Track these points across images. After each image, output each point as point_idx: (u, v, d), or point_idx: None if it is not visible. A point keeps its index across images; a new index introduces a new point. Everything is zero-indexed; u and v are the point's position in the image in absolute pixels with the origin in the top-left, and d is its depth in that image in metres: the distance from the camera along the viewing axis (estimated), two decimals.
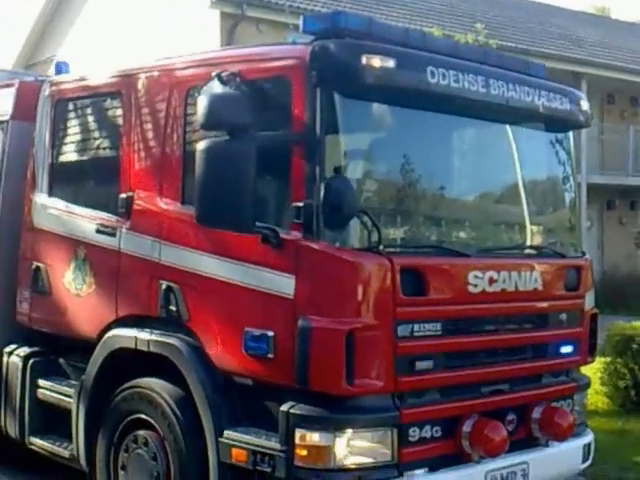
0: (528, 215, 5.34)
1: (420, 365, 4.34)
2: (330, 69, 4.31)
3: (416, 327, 4.33)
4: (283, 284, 4.26)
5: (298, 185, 4.28)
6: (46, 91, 6.04)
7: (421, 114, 4.71)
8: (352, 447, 4.13)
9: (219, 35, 15.10)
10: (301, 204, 4.22)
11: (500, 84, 4.89)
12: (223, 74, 4.46)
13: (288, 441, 4.16)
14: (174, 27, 15.79)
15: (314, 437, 4.11)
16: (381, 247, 4.27)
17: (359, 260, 4.24)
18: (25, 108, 6.17)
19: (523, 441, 4.85)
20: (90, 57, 17.73)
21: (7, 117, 6.30)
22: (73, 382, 5.57)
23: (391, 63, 4.35)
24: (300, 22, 4.65)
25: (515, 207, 5.37)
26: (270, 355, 4.30)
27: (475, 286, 4.59)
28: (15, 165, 6.17)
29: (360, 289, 4.20)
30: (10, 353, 5.98)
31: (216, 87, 4.41)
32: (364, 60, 4.28)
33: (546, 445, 4.97)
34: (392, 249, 4.40)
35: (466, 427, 4.47)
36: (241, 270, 4.45)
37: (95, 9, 18.55)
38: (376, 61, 4.31)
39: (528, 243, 5.35)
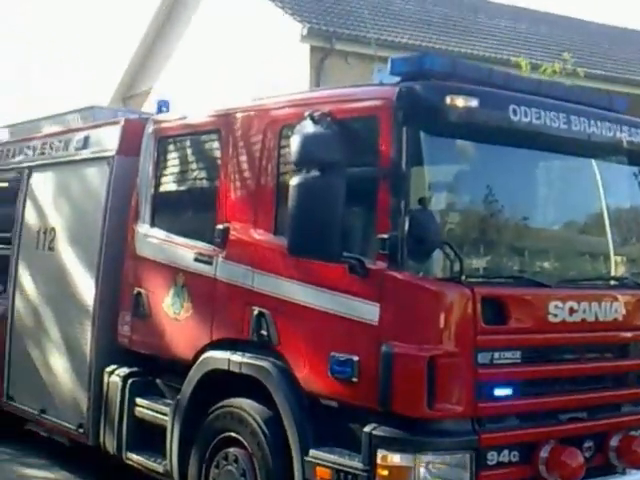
0: (609, 246, 5.44)
1: (499, 392, 4.51)
2: (416, 109, 4.57)
3: (496, 355, 4.50)
4: (368, 311, 4.50)
5: (384, 217, 4.52)
6: (150, 128, 6.45)
7: (503, 149, 4.93)
8: (432, 469, 4.31)
9: (308, 68, 15.55)
10: (386, 236, 4.46)
11: (581, 120, 5.05)
12: (315, 114, 4.73)
13: (370, 461, 4.37)
14: (265, 61, 16.35)
15: (395, 458, 4.31)
16: (463, 277, 4.47)
17: (442, 290, 4.45)
18: (129, 144, 6.58)
19: (600, 468, 4.93)
20: (184, 89, 18.48)
21: (113, 152, 6.73)
22: (168, 401, 5.89)
23: (474, 102, 4.59)
24: (388, 64, 4.91)
25: (595, 238, 5.49)
26: (354, 379, 4.52)
27: (555, 316, 4.73)
28: (119, 197, 6.57)
29: (442, 317, 4.41)
30: (111, 373, 6.33)
31: (308, 126, 4.69)
32: (448, 100, 4.53)
33: (623, 473, 5.04)
34: (474, 279, 4.60)
35: (543, 453, 4.58)
36: (328, 298, 4.71)
37: (190, 43, 19.30)
38: (460, 101, 4.55)
39: (609, 274, 5.45)
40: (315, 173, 4.50)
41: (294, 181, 4.58)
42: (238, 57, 17.22)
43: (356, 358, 4.51)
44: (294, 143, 4.67)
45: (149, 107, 19.58)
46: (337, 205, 4.44)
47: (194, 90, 18.06)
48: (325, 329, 4.76)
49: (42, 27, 57.65)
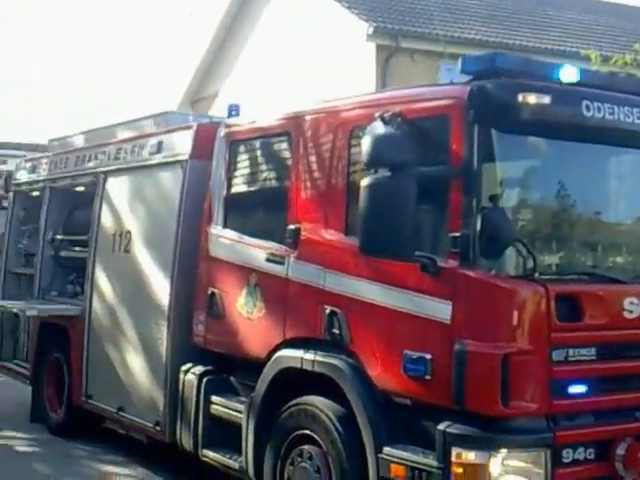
0: None
1: (574, 389, 4.49)
2: (488, 107, 4.59)
3: (571, 352, 4.48)
4: (440, 310, 4.52)
5: (456, 216, 4.54)
6: (222, 132, 6.57)
7: (575, 145, 4.90)
8: (506, 466, 4.32)
9: (374, 67, 15.57)
10: (458, 234, 4.48)
11: None
12: (385, 115, 4.77)
13: (445, 459, 4.39)
14: (331, 60, 16.43)
15: (470, 455, 4.32)
16: (536, 274, 4.47)
17: (515, 287, 4.45)
18: (202, 148, 6.71)
19: None
20: (251, 91, 18.68)
21: (186, 156, 6.87)
22: (243, 399, 5.99)
23: (546, 99, 4.57)
24: (458, 63, 4.92)
25: None
26: (427, 377, 4.55)
27: (630, 312, 4.68)
28: (193, 200, 6.70)
29: (515, 315, 4.40)
30: (186, 371, 6.46)
31: (379, 127, 4.73)
32: (520, 98, 4.53)
33: None
34: (547, 276, 4.59)
35: (620, 450, 4.55)
36: (400, 296, 4.75)
37: (256, 46, 19.49)
38: (532, 98, 4.54)
39: None
40: (386, 173, 4.55)
41: (365, 182, 4.63)
42: (304, 58, 17.33)
43: (429, 356, 4.54)
44: (365, 144, 4.73)
45: (217, 110, 19.91)
46: (409, 204, 4.48)
47: (261, 92, 18.26)
48: (397, 327, 4.80)
49: (107, 31, 58.99)
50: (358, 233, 4.73)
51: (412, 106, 4.98)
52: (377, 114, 4.81)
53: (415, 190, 4.49)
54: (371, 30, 15.11)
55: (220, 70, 21.06)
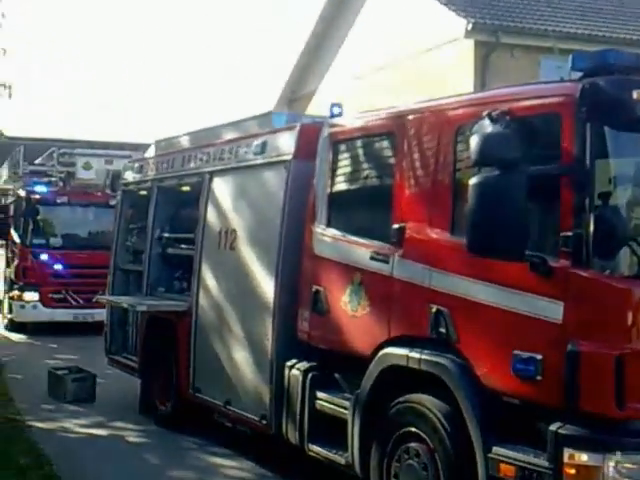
0: None
1: None
2: (601, 105, 4.53)
3: None
4: (551, 310, 4.47)
5: (568, 215, 4.48)
6: (325, 132, 6.66)
7: None
8: (621, 469, 4.24)
9: (473, 63, 15.41)
10: (570, 233, 4.42)
11: None
12: (493, 113, 4.76)
13: (556, 460, 4.35)
14: (429, 56, 16.35)
15: (583, 457, 4.27)
16: None
17: (630, 287, 4.38)
18: (305, 148, 6.81)
19: None
20: (349, 87, 18.79)
21: (290, 156, 6.99)
22: (347, 395, 6.06)
23: None
24: (569, 60, 4.87)
25: None
26: (538, 377, 4.51)
27: None
28: (297, 199, 6.82)
29: (630, 315, 4.33)
30: (291, 367, 6.59)
31: (487, 125, 4.73)
32: (635, 95, 4.45)
33: None
34: None
35: None
36: (509, 296, 4.71)
37: (353, 43, 19.57)
38: None
39: None
40: (495, 172, 4.54)
41: (474, 180, 4.62)
42: (401, 54, 17.29)
43: (539, 356, 4.50)
44: (473, 142, 4.72)
45: (314, 108, 20.11)
46: (519, 203, 4.45)
47: (358, 89, 18.34)
48: (506, 327, 4.77)
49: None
50: (466, 232, 4.71)
51: (521, 104, 4.93)
52: (485, 112, 4.81)
53: (525, 189, 4.47)
54: (470, 26, 14.96)
55: (317, 68, 21.23)
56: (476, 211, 4.58)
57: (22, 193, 16.65)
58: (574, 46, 15.28)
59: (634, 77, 4.63)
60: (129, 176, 10.64)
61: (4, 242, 17.72)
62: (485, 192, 4.54)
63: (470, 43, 15.35)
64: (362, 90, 18.20)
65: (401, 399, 5.41)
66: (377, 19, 18.44)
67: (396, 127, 5.92)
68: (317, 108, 19.68)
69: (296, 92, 22.35)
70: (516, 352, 4.62)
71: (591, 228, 4.36)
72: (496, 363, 4.80)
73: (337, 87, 19.70)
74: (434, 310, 5.21)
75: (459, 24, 15.15)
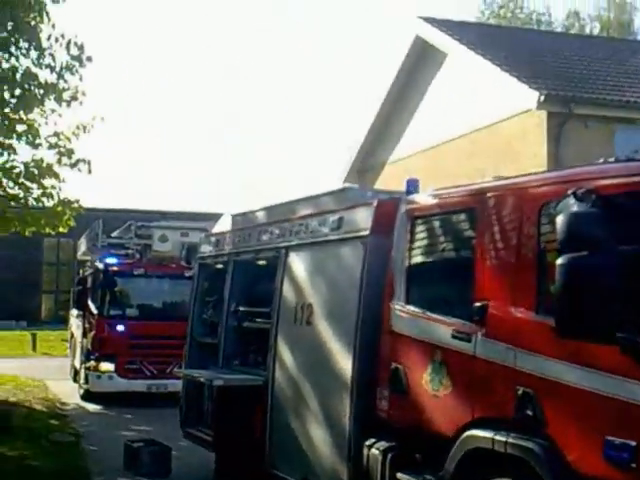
0: None
1: None
2: None
3: None
4: None
5: None
6: (403, 208, 6.69)
7: None
8: None
9: (545, 134, 15.35)
10: None
11: None
12: (578, 191, 4.72)
13: None
14: (501, 127, 16.38)
15: None
16: None
17: None
18: (382, 224, 6.82)
19: None
20: (418, 160, 18.90)
21: (367, 232, 6.99)
22: (428, 477, 5.89)
23: None
24: None
25: None
26: (633, 464, 4.35)
27: None
28: (374, 275, 6.79)
29: None
30: (370, 446, 6.45)
31: (572, 204, 4.68)
32: None
33: None
34: None
35: None
36: (600, 379, 4.57)
37: (424, 114, 19.75)
38: None
39: None
40: (584, 253, 4.46)
41: (561, 261, 4.55)
42: (473, 126, 17.38)
43: (634, 443, 4.34)
44: (559, 222, 4.67)
45: (385, 180, 20.23)
46: (609, 284, 4.37)
47: (429, 161, 18.45)
48: (598, 411, 4.62)
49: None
50: (554, 313, 4.63)
51: (606, 182, 4.89)
52: (569, 191, 4.76)
53: (614, 269, 4.39)
54: (542, 97, 14.94)
55: (388, 139, 21.44)
56: (564, 292, 4.51)
57: (100, 265, 17.06)
58: None
59: None
60: (205, 249, 10.82)
61: (82, 313, 18.10)
62: (573, 273, 4.47)
63: (543, 114, 15.32)
64: (433, 161, 18.32)
65: None
66: (448, 90, 18.61)
67: (477, 204, 5.89)
68: (387, 179, 19.86)
69: (366, 163, 22.58)
70: (609, 438, 4.47)
71: None
72: (587, 449, 4.65)
73: (408, 158, 19.88)
74: (520, 392, 5.09)
75: (531, 95, 15.16)
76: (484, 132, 16.92)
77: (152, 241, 17.07)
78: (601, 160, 5.45)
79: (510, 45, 18.23)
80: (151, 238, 17.13)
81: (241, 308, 9.43)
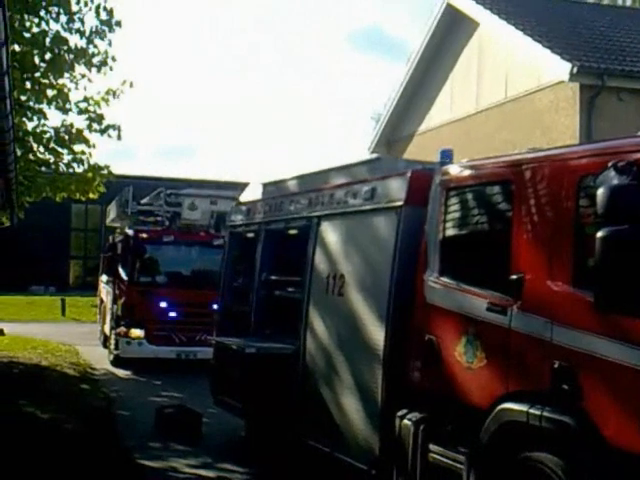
0: None
1: None
2: None
3: None
4: None
5: None
6: (438, 179, 6.65)
7: None
8: None
9: (578, 106, 15.15)
10: None
11: None
12: (619, 163, 4.67)
13: None
14: (532, 99, 16.19)
15: None
16: None
17: None
18: (417, 195, 6.79)
19: None
20: (448, 131, 18.77)
21: (401, 203, 6.97)
22: (462, 449, 5.93)
23: None
24: None
25: None
26: None
27: None
28: (408, 246, 6.78)
29: None
30: (402, 417, 6.48)
31: (613, 177, 4.64)
32: None
33: None
34: None
35: None
36: (638, 352, 4.56)
37: (453, 85, 19.57)
38: None
39: None
40: (625, 226, 4.42)
41: (601, 234, 4.52)
42: (505, 97, 17.20)
43: None
44: (599, 195, 4.62)
45: (414, 151, 20.12)
46: None
47: (459, 132, 18.31)
48: (635, 387, 4.60)
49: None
50: (593, 287, 4.61)
51: None
52: (610, 163, 4.71)
53: None
54: (575, 69, 14.72)
55: (417, 110, 21.26)
56: (604, 266, 4.48)
57: (130, 232, 17.18)
58: None
59: None
60: (236, 218, 10.83)
61: (112, 279, 18.28)
62: (614, 246, 4.44)
63: (575, 86, 15.10)
64: (464, 132, 18.17)
65: (521, 456, 5.27)
66: (479, 60, 18.40)
67: (513, 176, 5.85)
68: (417, 150, 19.75)
69: (394, 134, 22.43)
70: None
71: None
72: (624, 424, 4.64)
73: (438, 129, 19.74)
74: (557, 366, 5.08)
75: (564, 67, 14.93)
76: (515, 103, 16.73)
77: (181, 209, 17.14)
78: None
79: (542, 15, 17.92)
80: (180, 206, 17.20)
81: (272, 277, 9.45)
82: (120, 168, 18.71)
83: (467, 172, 6.57)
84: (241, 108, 65.52)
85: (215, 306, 11.35)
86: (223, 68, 62.03)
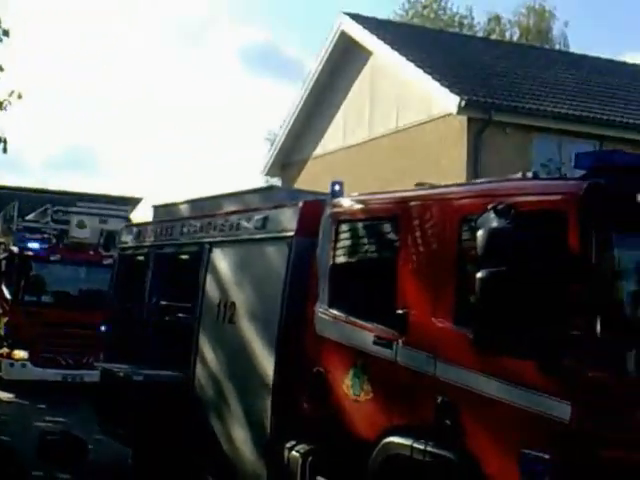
0: None
1: None
2: (604, 205, 4.64)
3: None
4: (559, 409, 4.48)
5: (574, 314, 4.54)
6: (328, 211, 6.76)
7: None
8: None
9: (465, 139, 15.69)
10: (577, 333, 4.47)
11: None
12: (499, 207, 4.83)
13: None
14: (422, 130, 16.67)
15: None
16: None
17: None
18: (308, 225, 6.85)
19: None
20: (341, 157, 19.05)
21: (292, 233, 7.03)
22: None
23: None
24: (571, 159, 5.02)
25: None
26: (547, 478, 4.50)
27: None
28: (298, 277, 6.83)
29: None
30: (290, 449, 6.48)
31: (492, 219, 4.79)
32: (639, 198, 4.57)
33: None
34: None
35: None
36: (517, 392, 4.71)
37: (347, 112, 19.87)
38: None
39: None
40: (501, 267, 4.60)
41: (480, 275, 4.68)
42: (395, 127, 17.63)
43: (547, 456, 4.51)
44: (479, 236, 4.79)
45: (307, 175, 20.31)
46: (524, 301, 4.52)
47: (351, 159, 18.60)
48: (514, 424, 4.76)
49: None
50: (472, 326, 4.79)
51: (526, 199, 5.04)
52: (490, 206, 4.87)
53: (531, 286, 4.55)
54: (463, 103, 15.26)
55: (311, 135, 21.49)
56: (482, 306, 4.66)
57: (15, 249, 16.66)
58: (566, 126, 15.77)
59: (636, 178, 4.76)
60: (127, 239, 10.69)
61: None
62: (491, 288, 4.60)
63: (463, 119, 15.64)
64: (357, 158, 18.49)
65: None
66: (372, 88, 18.79)
67: (400, 212, 6.00)
68: (311, 175, 19.93)
69: (290, 157, 22.58)
70: (524, 451, 4.62)
71: (598, 329, 4.43)
72: (503, 461, 4.77)
73: (332, 154, 19.99)
74: (439, 401, 5.21)
75: (452, 100, 15.46)
76: (407, 133, 17.17)
77: (70, 227, 16.75)
78: (519, 174, 5.63)
79: (433, 47, 18.51)
80: (69, 224, 16.80)
81: (162, 302, 9.36)
82: (7, 179, 18.11)
83: (357, 206, 6.71)
84: (141, 122, 64.57)
85: (103, 328, 11.12)
86: (121, 82, 61.14)
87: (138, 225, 10.98)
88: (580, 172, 5.04)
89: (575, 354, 4.50)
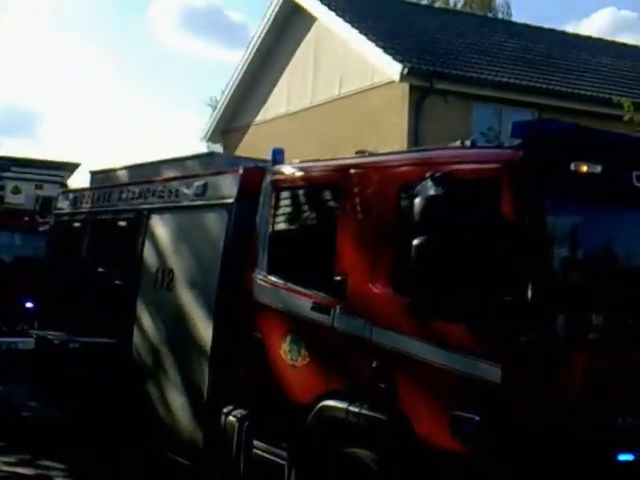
0: None
1: None
2: (538, 174, 4.71)
3: None
4: (490, 372, 4.59)
5: (504, 281, 4.63)
6: (268, 178, 6.74)
7: (627, 212, 4.99)
8: None
9: (407, 106, 15.71)
10: (509, 298, 4.57)
11: None
12: (436, 175, 4.89)
13: None
14: (364, 97, 16.64)
15: None
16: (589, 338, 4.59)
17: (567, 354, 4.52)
18: (248, 192, 6.82)
19: None
20: (283, 126, 18.94)
21: (231, 200, 6.99)
22: (284, 445, 6.02)
23: (598, 169, 4.69)
24: (509, 127, 5.05)
25: None
26: (476, 438, 4.61)
27: None
28: (237, 244, 6.81)
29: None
30: (227, 414, 6.53)
31: (429, 187, 4.85)
32: (572, 166, 4.65)
33: None
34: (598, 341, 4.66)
35: None
36: (449, 356, 4.82)
37: (290, 78, 19.74)
38: (584, 167, 4.67)
39: None
40: (437, 234, 4.66)
41: (416, 242, 4.73)
42: (338, 94, 17.57)
43: (477, 417, 4.62)
44: (415, 204, 4.84)
45: (249, 142, 20.16)
46: (458, 267, 4.60)
47: (293, 126, 18.52)
48: (445, 387, 4.87)
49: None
50: (408, 292, 4.84)
51: (463, 167, 5.11)
52: (428, 174, 4.92)
53: (465, 253, 4.62)
54: (406, 70, 15.26)
55: (253, 101, 21.29)
56: (417, 273, 4.70)
57: None
58: (506, 95, 15.92)
59: (573, 148, 4.82)
60: (63, 205, 10.49)
61: None
62: (426, 255, 4.66)
63: (405, 87, 15.65)
64: (300, 125, 18.40)
65: (340, 452, 5.45)
66: (316, 55, 18.67)
67: (340, 179, 6.02)
68: (253, 142, 19.79)
69: (231, 123, 22.35)
70: (455, 412, 4.73)
71: (528, 294, 4.51)
72: (435, 422, 4.89)
73: (274, 121, 19.85)
74: (374, 365, 5.29)
75: (395, 67, 15.44)
76: (349, 100, 17.12)
77: (4, 192, 16.31)
78: (458, 142, 5.67)
79: (378, 14, 18.42)
80: (3, 189, 16.36)
81: (99, 269, 9.23)
82: None
83: (297, 173, 6.69)
84: (79, 86, 62.93)
85: (38, 296, 10.93)
86: (62, 44, 59.49)
87: (75, 191, 10.78)
88: (518, 141, 5.09)
89: (507, 318, 4.58)
